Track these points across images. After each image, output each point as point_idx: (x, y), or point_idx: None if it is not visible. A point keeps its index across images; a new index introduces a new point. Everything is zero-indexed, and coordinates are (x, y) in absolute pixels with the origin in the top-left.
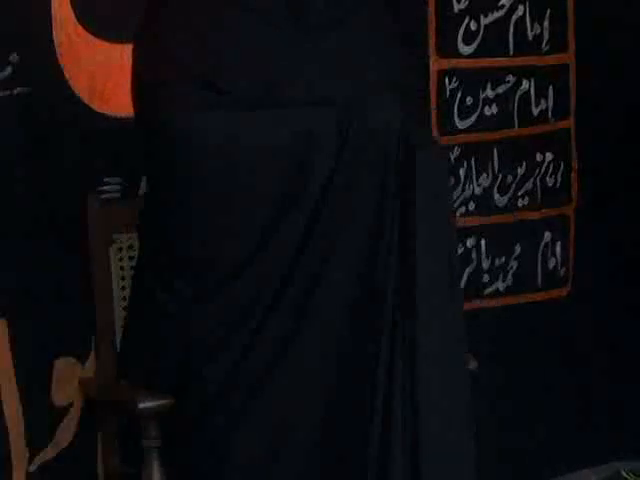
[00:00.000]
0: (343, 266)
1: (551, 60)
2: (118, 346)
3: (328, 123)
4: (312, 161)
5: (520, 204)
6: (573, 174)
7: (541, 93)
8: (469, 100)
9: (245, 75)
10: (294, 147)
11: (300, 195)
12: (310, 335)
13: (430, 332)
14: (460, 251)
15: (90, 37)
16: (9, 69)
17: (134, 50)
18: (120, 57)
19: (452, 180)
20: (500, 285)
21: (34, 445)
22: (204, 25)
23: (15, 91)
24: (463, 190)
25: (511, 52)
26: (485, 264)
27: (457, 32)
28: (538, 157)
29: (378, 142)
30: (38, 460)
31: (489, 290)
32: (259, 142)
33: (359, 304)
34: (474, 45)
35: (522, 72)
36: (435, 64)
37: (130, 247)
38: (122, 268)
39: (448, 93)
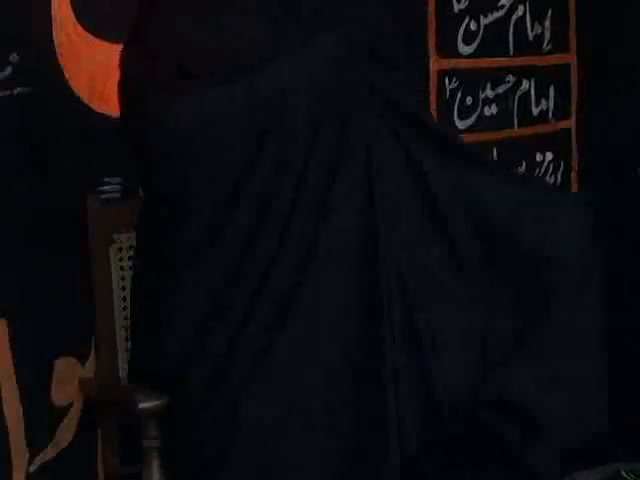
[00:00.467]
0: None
1: (552, 60)
2: (119, 347)
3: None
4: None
5: None
6: (573, 174)
7: (541, 93)
8: (469, 100)
9: (232, 72)
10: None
11: (281, 180)
12: (300, 325)
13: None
14: None
15: (90, 37)
16: (9, 69)
17: (122, 50)
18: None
19: None
20: None
21: (34, 445)
22: (190, 25)
23: (15, 91)
24: None
25: (511, 52)
26: None
27: (457, 32)
28: (538, 157)
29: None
30: (38, 460)
31: None
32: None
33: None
34: (474, 45)
35: (522, 72)
36: (435, 64)
37: (130, 247)
38: (122, 268)
39: (448, 93)
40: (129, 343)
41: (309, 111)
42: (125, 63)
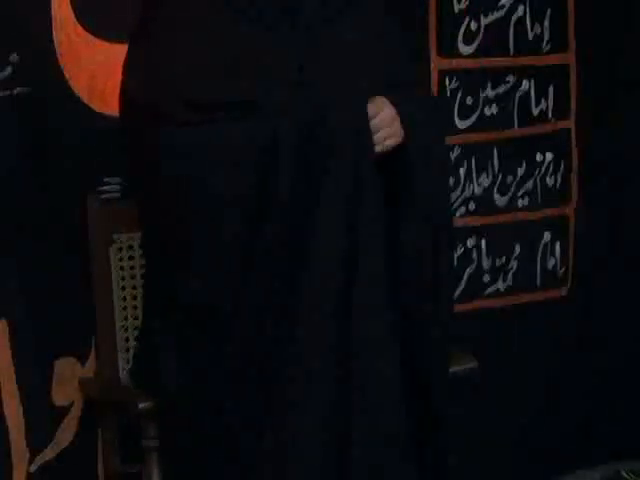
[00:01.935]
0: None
1: (551, 60)
2: (119, 347)
3: (291, 136)
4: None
5: (520, 204)
6: (573, 174)
7: (541, 93)
8: (469, 100)
9: (231, 87)
10: (259, 162)
11: (267, 206)
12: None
13: None
14: (460, 251)
15: (90, 37)
16: (9, 69)
17: (125, 62)
18: (120, 57)
19: (452, 180)
20: (500, 285)
21: (34, 445)
22: (190, 39)
23: (15, 91)
24: (463, 190)
25: (511, 52)
26: (485, 264)
27: (457, 32)
28: (538, 157)
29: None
30: (38, 460)
31: (489, 290)
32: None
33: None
34: (474, 45)
35: (522, 72)
36: (435, 64)
37: (130, 247)
38: (122, 268)
39: (448, 93)
40: (129, 343)
41: (299, 154)
42: (126, 78)
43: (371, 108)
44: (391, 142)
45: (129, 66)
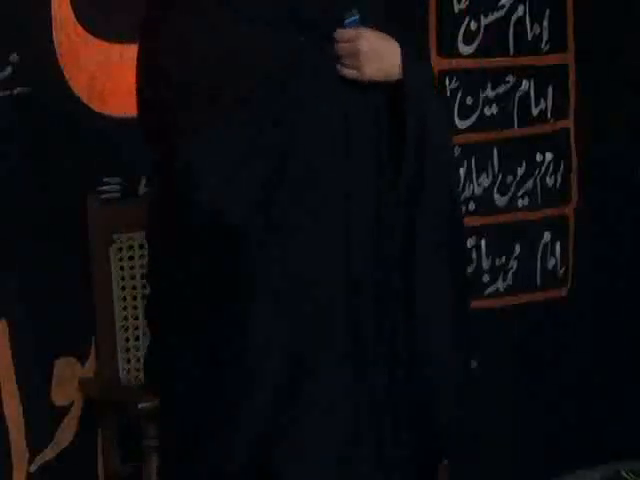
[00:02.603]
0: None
1: (551, 60)
2: (119, 347)
3: None
4: None
5: (520, 204)
6: (573, 174)
7: (541, 93)
8: (469, 100)
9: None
10: None
11: None
12: None
13: None
14: None
15: (90, 37)
16: (9, 69)
17: (137, 62)
18: (120, 57)
19: None
20: (500, 285)
21: (34, 445)
22: (203, 42)
23: (15, 91)
24: (463, 190)
25: (511, 52)
26: (485, 264)
27: (457, 32)
28: (538, 157)
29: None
30: (38, 460)
31: (489, 290)
32: None
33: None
34: (474, 45)
35: (522, 72)
36: (435, 64)
37: (130, 247)
38: (122, 268)
39: (448, 93)
40: (129, 343)
41: None
42: (141, 80)
43: (349, 33)
44: (353, 72)
45: (137, 64)
